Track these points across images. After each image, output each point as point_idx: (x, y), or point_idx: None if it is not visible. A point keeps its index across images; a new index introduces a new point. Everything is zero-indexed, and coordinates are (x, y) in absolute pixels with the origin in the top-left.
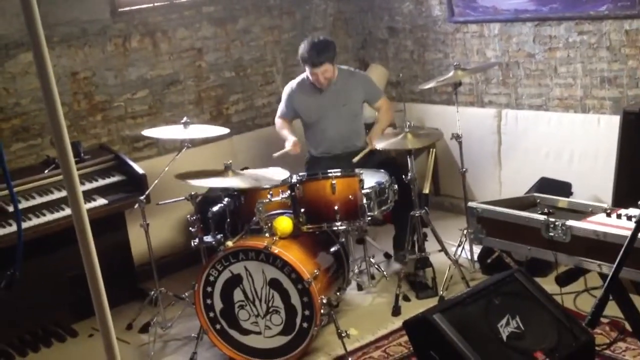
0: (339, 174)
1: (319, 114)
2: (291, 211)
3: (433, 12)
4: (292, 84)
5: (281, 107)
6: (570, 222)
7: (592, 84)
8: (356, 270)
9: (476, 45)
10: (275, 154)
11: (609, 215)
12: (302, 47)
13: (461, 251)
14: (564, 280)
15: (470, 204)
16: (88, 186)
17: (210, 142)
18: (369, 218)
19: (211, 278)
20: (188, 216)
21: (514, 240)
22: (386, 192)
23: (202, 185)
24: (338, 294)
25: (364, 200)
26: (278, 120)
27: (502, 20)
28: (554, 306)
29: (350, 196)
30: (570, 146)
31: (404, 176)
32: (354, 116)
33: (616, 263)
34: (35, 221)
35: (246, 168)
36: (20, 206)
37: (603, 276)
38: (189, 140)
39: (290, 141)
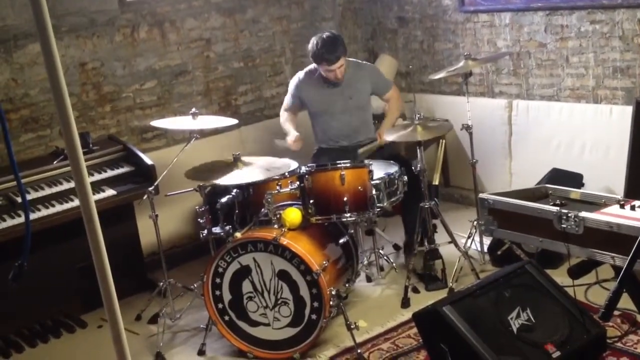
0: (348, 164)
1: (326, 106)
2: (300, 202)
3: (443, 1)
4: (300, 74)
5: (287, 98)
6: (584, 214)
7: (604, 74)
8: (365, 262)
9: (487, 35)
10: (277, 141)
11: (622, 206)
12: (313, 46)
13: (471, 243)
14: (576, 272)
15: (481, 195)
16: (97, 177)
17: (218, 133)
18: (379, 209)
19: (220, 269)
20: (197, 207)
21: (526, 231)
22: (395, 183)
23: (213, 183)
24: (347, 285)
25: (374, 192)
26: (283, 113)
27: (513, 10)
28: (565, 298)
29: (359, 187)
30: (582, 137)
31: (413, 168)
32: (361, 109)
33: (631, 255)
34: (44, 212)
35: None
36: (29, 197)
37: (616, 268)
38: (197, 131)
39: (292, 136)
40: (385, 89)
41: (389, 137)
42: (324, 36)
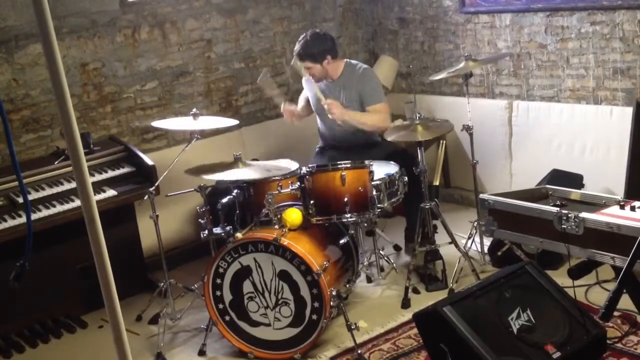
0: (348, 165)
1: (322, 107)
2: (301, 203)
3: (444, 2)
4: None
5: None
6: (584, 215)
7: (605, 75)
8: (366, 263)
9: (487, 36)
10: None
11: (622, 207)
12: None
13: (471, 243)
14: (576, 273)
15: (481, 195)
16: (98, 177)
17: (219, 134)
18: (379, 210)
19: (220, 270)
20: (197, 208)
21: (526, 232)
22: (396, 184)
23: (213, 179)
24: (347, 286)
25: (374, 192)
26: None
27: (513, 11)
28: (566, 299)
29: (360, 188)
30: (582, 138)
31: (414, 168)
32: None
33: (631, 256)
34: (45, 212)
35: (255, 160)
36: (30, 197)
37: (616, 269)
38: (198, 132)
39: (289, 105)
40: (370, 100)
41: (390, 137)
42: (310, 32)
